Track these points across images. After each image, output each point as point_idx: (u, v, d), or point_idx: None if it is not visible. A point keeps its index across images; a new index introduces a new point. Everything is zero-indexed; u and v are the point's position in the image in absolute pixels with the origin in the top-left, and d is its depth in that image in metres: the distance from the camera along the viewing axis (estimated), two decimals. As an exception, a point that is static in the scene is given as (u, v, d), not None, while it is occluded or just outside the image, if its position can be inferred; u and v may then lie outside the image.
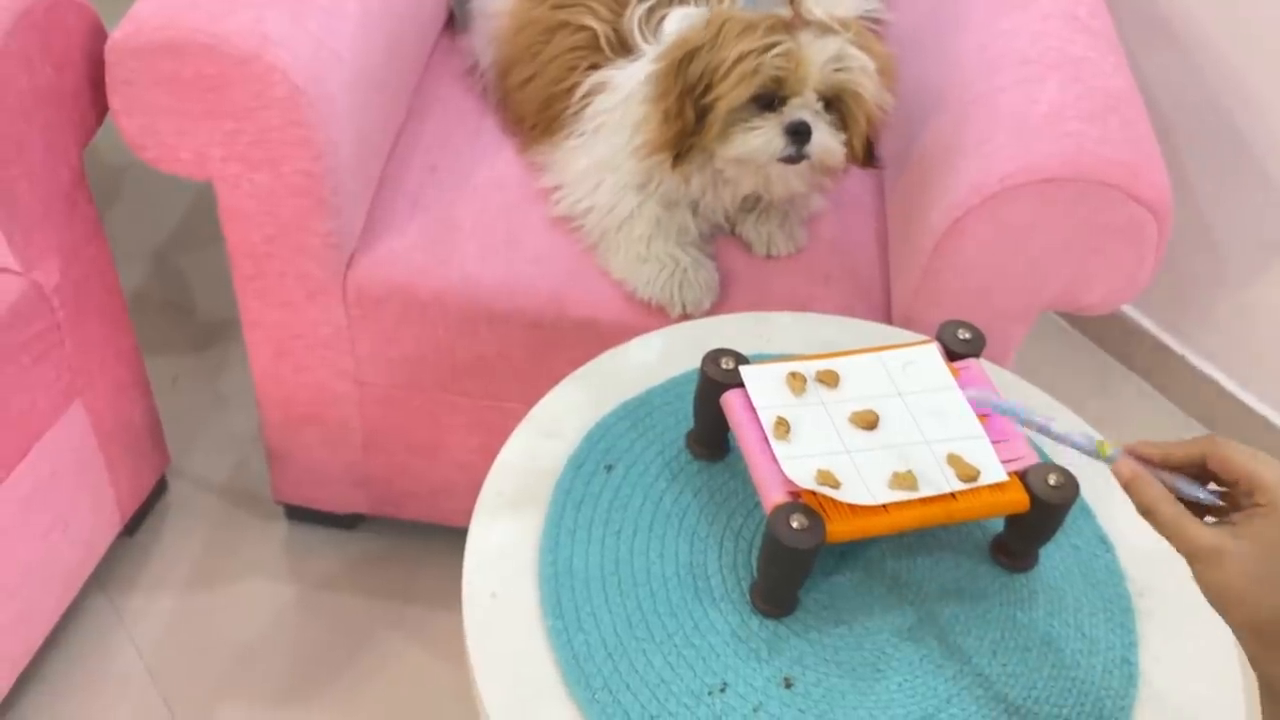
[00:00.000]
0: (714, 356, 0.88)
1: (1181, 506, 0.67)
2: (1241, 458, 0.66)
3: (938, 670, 0.80)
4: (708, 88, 1.10)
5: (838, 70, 1.09)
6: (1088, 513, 0.92)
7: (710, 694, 0.77)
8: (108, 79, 1.06)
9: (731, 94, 1.08)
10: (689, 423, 0.94)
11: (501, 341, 1.22)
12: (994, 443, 0.84)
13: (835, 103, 1.11)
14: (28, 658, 1.29)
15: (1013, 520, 0.86)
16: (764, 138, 1.09)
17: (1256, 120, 1.60)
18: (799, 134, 1.09)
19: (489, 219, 1.24)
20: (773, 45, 1.07)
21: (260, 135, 1.07)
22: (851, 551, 0.87)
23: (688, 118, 1.11)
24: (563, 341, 1.21)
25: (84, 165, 1.18)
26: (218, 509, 1.55)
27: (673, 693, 0.77)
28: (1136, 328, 1.87)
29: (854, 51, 1.09)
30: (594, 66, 1.24)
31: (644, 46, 1.22)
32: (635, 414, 0.95)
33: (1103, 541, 0.90)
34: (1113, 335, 1.91)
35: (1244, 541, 0.64)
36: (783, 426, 0.82)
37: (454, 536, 0.86)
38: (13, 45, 1.03)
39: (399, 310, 1.21)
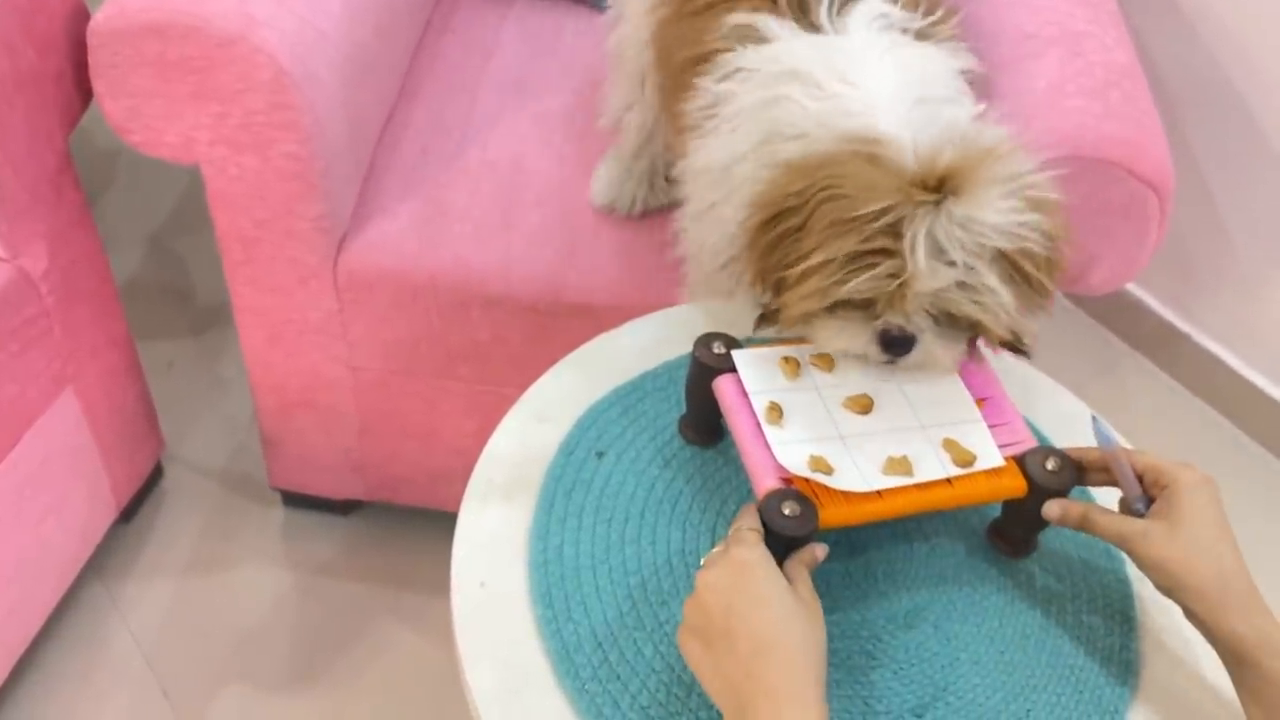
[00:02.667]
0: (706, 341, 0.86)
1: (1111, 509, 0.77)
2: (1147, 458, 0.77)
3: (933, 659, 0.79)
4: (785, 272, 0.84)
5: (959, 296, 0.80)
6: (1086, 498, 0.90)
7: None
8: (91, 62, 1.04)
9: (810, 301, 0.82)
10: (681, 408, 0.92)
11: (495, 325, 1.21)
12: (992, 426, 0.83)
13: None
14: (24, 646, 1.29)
15: (1010, 505, 0.84)
16: (849, 341, 0.84)
17: (1263, 95, 1.58)
18: (895, 345, 0.83)
19: (482, 201, 1.22)
20: (869, 261, 0.79)
21: (246, 118, 1.06)
22: (845, 538, 0.86)
23: (766, 294, 0.88)
24: (557, 325, 1.19)
25: (71, 150, 1.17)
26: (214, 495, 1.54)
27: (663, 683, 0.76)
28: (1141, 306, 1.85)
29: (989, 280, 0.78)
30: (754, 10, 0.95)
31: (825, 24, 0.92)
32: (627, 399, 0.94)
33: (1102, 526, 0.88)
34: (1117, 314, 1.89)
35: (1163, 521, 0.73)
36: (775, 411, 0.81)
37: (450, 522, 0.86)
38: (-6, 28, 1.01)
39: (391, 295, 1.20)
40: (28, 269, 1.13)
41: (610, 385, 0.95)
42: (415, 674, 1.38)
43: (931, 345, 0.83)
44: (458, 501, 0.87)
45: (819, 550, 0.75)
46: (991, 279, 0.79)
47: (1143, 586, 0.85)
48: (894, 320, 0.82)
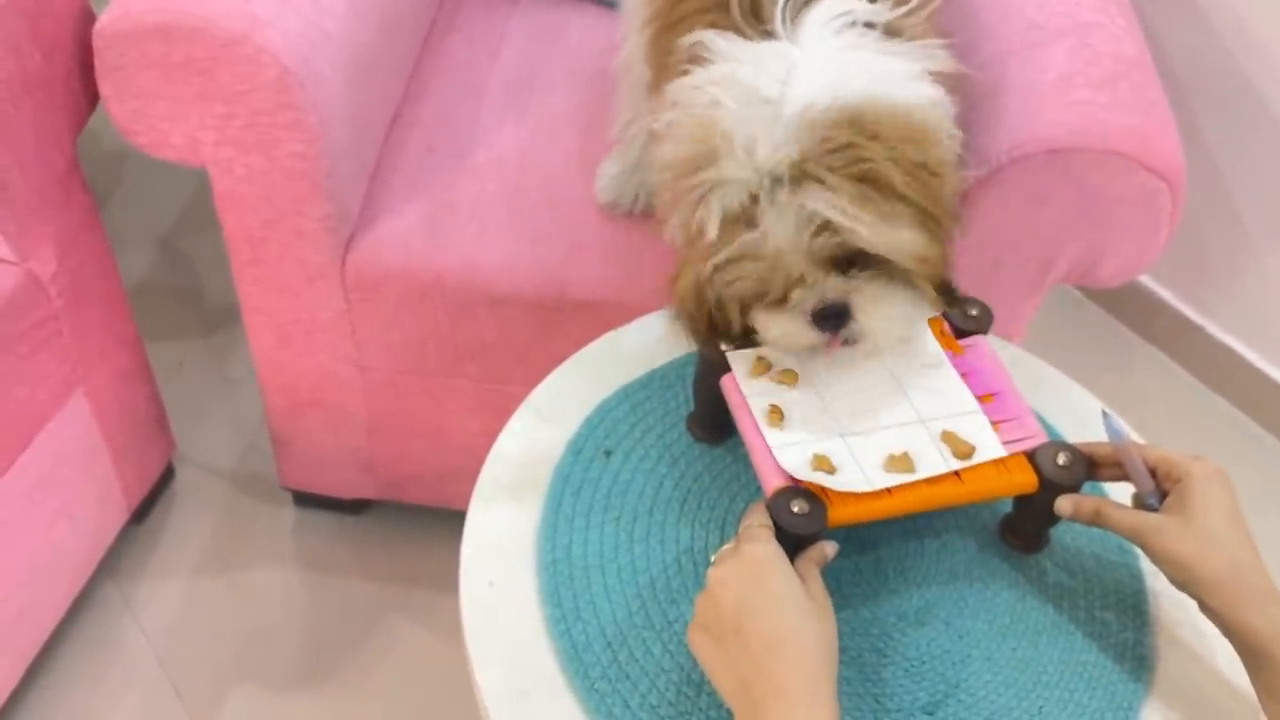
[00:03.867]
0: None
1: (1124, 504, 0.77)
2: (1159, 452, 0.77)
3: (944, 656, 0.79)
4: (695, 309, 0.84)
5: (824, 232, 0.76)
6: (1099, 492, 0.89)
7: (710, 682, 0.76)
8: (97, 64, 1.04)
9: (722, 320, 0.82)
10: (689, 405, 0.92)
11: (502, 324, 1.20)
12: (1000, 422, 0.82)
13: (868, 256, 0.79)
14: (37, 647, 1.29)
15: (1021, 501, 0.84)
16: (786, 329, 0.81)
17: (1277, 84, 1.56)
18: (831, 319, 0.80)
19: (488, 200, 1.22)
20: (728, 250, 0.78)
21: (252, 118, 1.05)
22: (855, 535, 0.85)
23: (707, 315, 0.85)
24: (564, 323, 1.19)
25: (79, 152, 1.17)
26: (225, 495, 1.54)
27: (673, 682, 0.76)
28: (1154, 298, 1.83)
29: (826, 197, 0.75)
30: (713, 25, 0.90)
31: (780, 30, 0.85)
32: (635, 397, 0.93)
33: (1115, 521, 0.88)
34: (1129, 306, 1.88)
35: (1177, 515, 0.73)
36: (776, 413, 0.81)
37: (460, 520, 0.85)
38: (0, 32, 1.01)
39: (398, 294, 1.20)
40: (37, 272, 1.14)
41: (617, 383, 0.95)
42: (425, 672, 1.38)
43: (869, 300, 0.78)
44: (467, 500, 0.87)
45: (829, 548, 0.75)
46: (822, 194, 0.75)
47: (1156, 581, 0.84)
48: (810, 296, 0.78)
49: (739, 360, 0.84)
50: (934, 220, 0.79)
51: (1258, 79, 1.58)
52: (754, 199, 0.77)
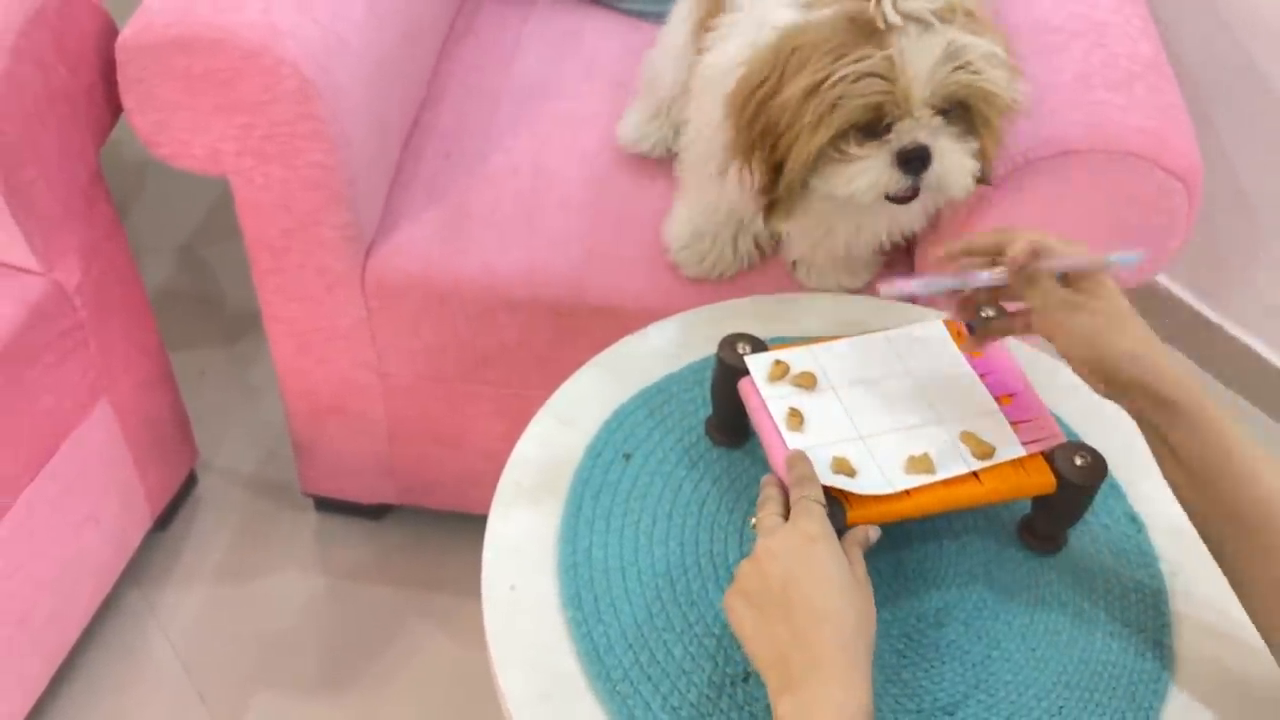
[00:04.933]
0: (730, 342, 0.87)
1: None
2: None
3: (964, 656, 0.79)
4: (777, 138, 0.87)
5: (956, 70, 0.84)
6: (1117, 491, 0.90)
7: (732, 684, 0.77)
8: (119, 77, 1.06)
9: (811, 141, 0.85)
10: (708, 409, 0.92)
11: (521, 329, 1.21)
12: (1019, 422, 0.83)
13: (958, 110, 0.88)
14: (64, 652, 1.31)
15: (1040, 501, 0.84)
16: (870, 174, 0.86)
17: (1292, 81, 1.56)
18: (913, 162, 0.86)
19: (506, 206, 1.23)
20: (857, 63, 0.83)
21: (272, 129, 1.07)
22: (875, 536, 0.85)
23: (763, 175, 0.91)
24: (583, 327, 1.20)
25: (102, 163, 1.18)
26: (247, 501, 1.56)
27: (694, 683, 0.76)
28: (1171, 297, 1.83)
29: (971, 40, 0.84)
30: None
31: None
32: (653, 401, 0.94)
33: (1133, 520, 0.88)
34: (1146, 306, 1.86)
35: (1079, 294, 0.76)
36: (796, 417, 0.81)
37: (481, 525, 0.86)
38: (26, 46, 1.03)
39: (418, 301, 1.21)
40: (62, 282, 1.15)
41: (636, 387, 0.96)
42: (447, 676, 1.38)
43: (947, 151, 0.86)
44: (487, 504, 0.88)
45: (871, 532, 0.75)
46: (974, 39, 0.83)
47: (1176, 581, 0.84)
48: (907, 134, 0.84)
49: (757, 364, 0.85)
50: (1015, 109, 0.90)
51: (1274, 78, 1.58)
52: (888, 26, 0.83)
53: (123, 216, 1.25)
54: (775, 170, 0.90)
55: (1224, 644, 0.81)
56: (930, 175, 0.87)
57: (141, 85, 1.05)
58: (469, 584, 1.47)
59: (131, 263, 1.28)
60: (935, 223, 1.15)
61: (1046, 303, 0.76)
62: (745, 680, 0.77)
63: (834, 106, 0.84)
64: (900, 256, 1.22)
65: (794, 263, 1.17)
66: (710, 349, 0.97)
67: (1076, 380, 0.99)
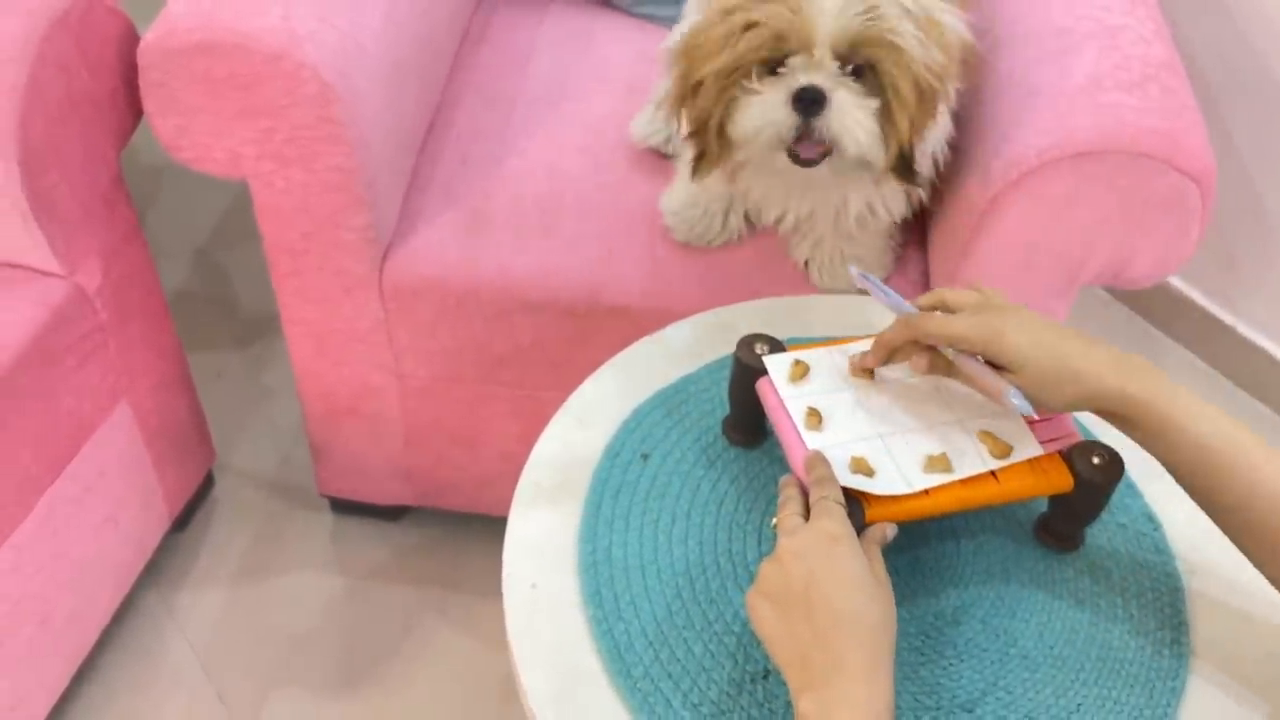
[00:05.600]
0: (748, 342, 0.87)
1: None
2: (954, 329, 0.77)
3: (982, 654, 0.79)
4: (698, 75, 0.91)
5: (861, 16, 0.85)
6: (1134, 490, 0.90)
7: (752, 681, 0.77)
8: (141, 81, 1.07)
9: (718, 59, 0.87)
10: (724, 409, 0.93)
11: (537, 331, 1.22)
12: (1036, 421, 0.83)
13: (870, 70, 0.89)
14: (84, 652, 1.32)
15: (1057, 500, 0.84)
16: (764, 109, 0.87)
17: (1304, 83, 1.56)
18: (806, 101, 0.86)
19: (522, 209, 1.24)
20: None
21: (292, 133, 1.08)
22: (892, 535, 0.86)
23: (690, 122, 0.95)
24: (599, 329, 1.20)
25: (122, 167, 1.20)
26: (264, 503, 1.57)
27: (714, 680, 0.77)
28: (1183, 299, 1.83)
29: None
30: None
31: None
32: (670, 401, 0.95)
33: (1150, 520, 0.88)
34: (1158, 307, 1.87)
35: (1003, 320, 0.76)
36: (815, 416, 0.82)
37: (497, 526, 0.87)
38: (48, 51, 1.04)
39: (435, 303, 1.21)
40: (83, 285, 1.16)
41: (653, 388, 0.96)
42: (464, 676, 1.39)
43: (845, 102, 0.86)
44: (504, 505, 0.88)
45: (889, 529, 0.75)
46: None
47: (1192, 580, 0.84)
48: (802, 72, 0.86)
49: (775, 364, 0.85)
50: (936, 86, 0.90)
51: (1286, 78, 1.58)
52: None
53: (139, 221, 1.26)
54: (701, 118, 0.93)
55: (1241, 643, 0.81)
56: (824, 122, 0.87)
57: (163, 89, 1.06)
58: (485, 584, 1.49)
59: (151, 265, 1.29)
60: (946, 225, 1.16)
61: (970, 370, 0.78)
62: (765, 677, 0.77)
63: (743, 29, 0.87)
64: (914, 258, 1.22)
65: (805, 263, 1.17)
66: (726, 350, 0.98)
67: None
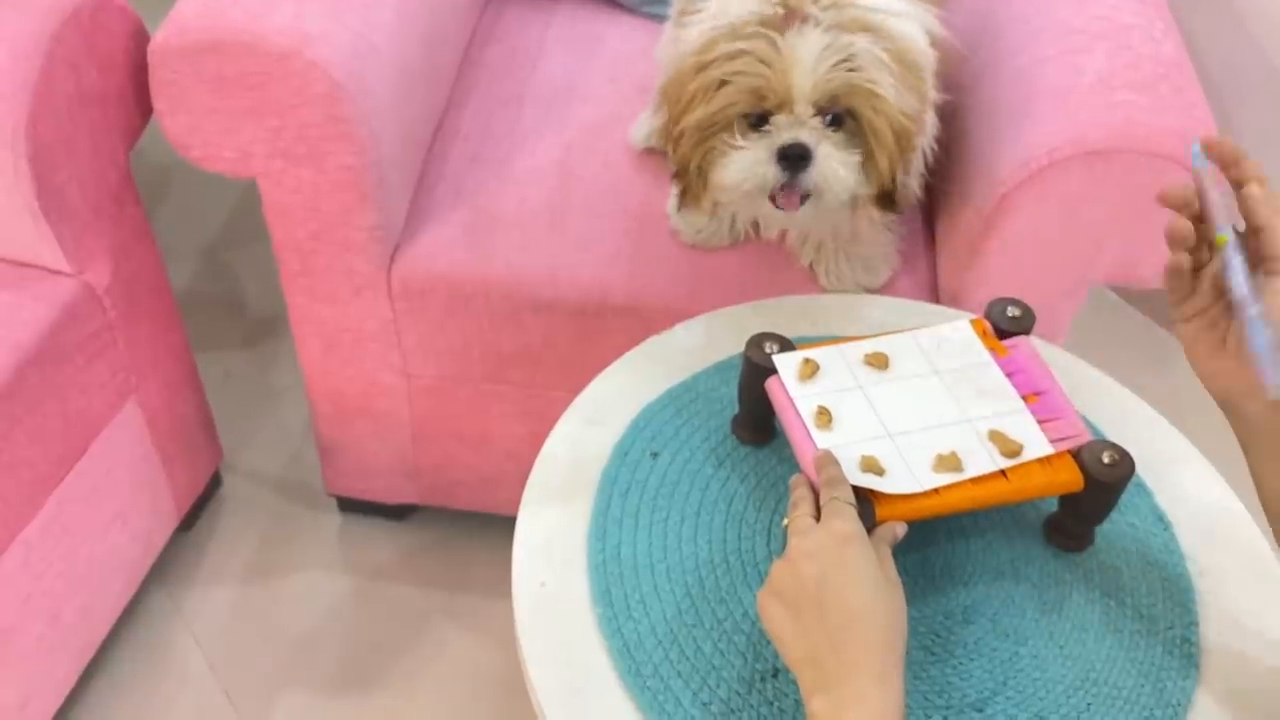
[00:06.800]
0: (758, 341, 0.87)
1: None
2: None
3: (992, 653, 0.79)
4: (678, 118, 0.92)
5: (836, 67, 0.86)
6: (1144, 490, 0.90)
7: (762, 680, 0.77)
8: (151, 80, 1.07)
9: (694, 114, 0.88)
10: (734, 408, 0.93)
11: (546, 330, 1.22)
12: (1046, 421, 0.83)
13: (849, 116, 0.90)
14: (92, 651, 1.32)
15: (1067, 500, 0.84)
16: (747, 163, 0.89)
17: (1314, 83, 1.56)
18: (792, 159, 0.88)
19: (530, 209, 1.24)
20: (747, 40, 0.86)
21: (302, 131, 1.08)
22: (902, 534, 0.86)
23: (674, 162, 0.97)
24: (607, 329, 1.20)
25: (131, 166, 1.20)
26: (271, 502, 1.57)
27: (724, 679, 0.77)
28: (1192, 300, 1.82)
29: (860, 45, 0.86)
30: None
31: None
32: (680, 400, 0.95)
33: (1160, 519, 0.88)
34: (1166, 307, 1.86)
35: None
36: (824, 416, 0.82)
37: (505, 525, 0.87)
38: (58, 50, 1.04)
39: (444, 302, 1.22)
40: (92, 283, 1.17)
41: (663, 387, 0.96)
42: (472, 675, 1.39)
43: (829, 156, 0.88)
44: (511, 505, 0.88)
45: (899, 528, 0.75)
46: (865, 43, 0.85)
47: (1203, 581, 0.84)
48: (787, 129, 0.87)
49: (785, 363, 0.85)
50: (912, 129, 0.92)
51: (1296, 79, 1.58)
52: (785, 15, 0.87)
53: (148, 220, 1.27)
54: (683, 164, 0.95)
55: (1252, 643, 0.81)
56: (809, 177, 0.88)
57: (173, 88, 1.07)
58: (493, 584, 1.49)
59: (160, 264, 1.29)
60: (955, 225, 1.15)
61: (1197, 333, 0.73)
62: (775, 676, 0.77)
63: (719, 84, 0.87)
64: (922, 257, 1.22)
65: (810, 264, 1.17)
66: (735, 349, 0.98)
67: (1102, 380, 1.00)
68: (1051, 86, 1.07)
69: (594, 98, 1.37)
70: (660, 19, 1.48)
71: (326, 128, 1.07)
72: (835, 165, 0.89)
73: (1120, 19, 1.11)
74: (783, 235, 1.17)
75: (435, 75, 1.31)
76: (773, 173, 0.89)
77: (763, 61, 0.86)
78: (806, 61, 0.85)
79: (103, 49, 1.09)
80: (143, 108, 1.15)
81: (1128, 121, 1.01)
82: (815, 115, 0.88)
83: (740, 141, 0.89)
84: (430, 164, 1.29)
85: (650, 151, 1.28)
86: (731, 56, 0.87)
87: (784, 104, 0.87)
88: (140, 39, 1.12)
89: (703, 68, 0.88)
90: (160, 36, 1.05)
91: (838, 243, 1.13)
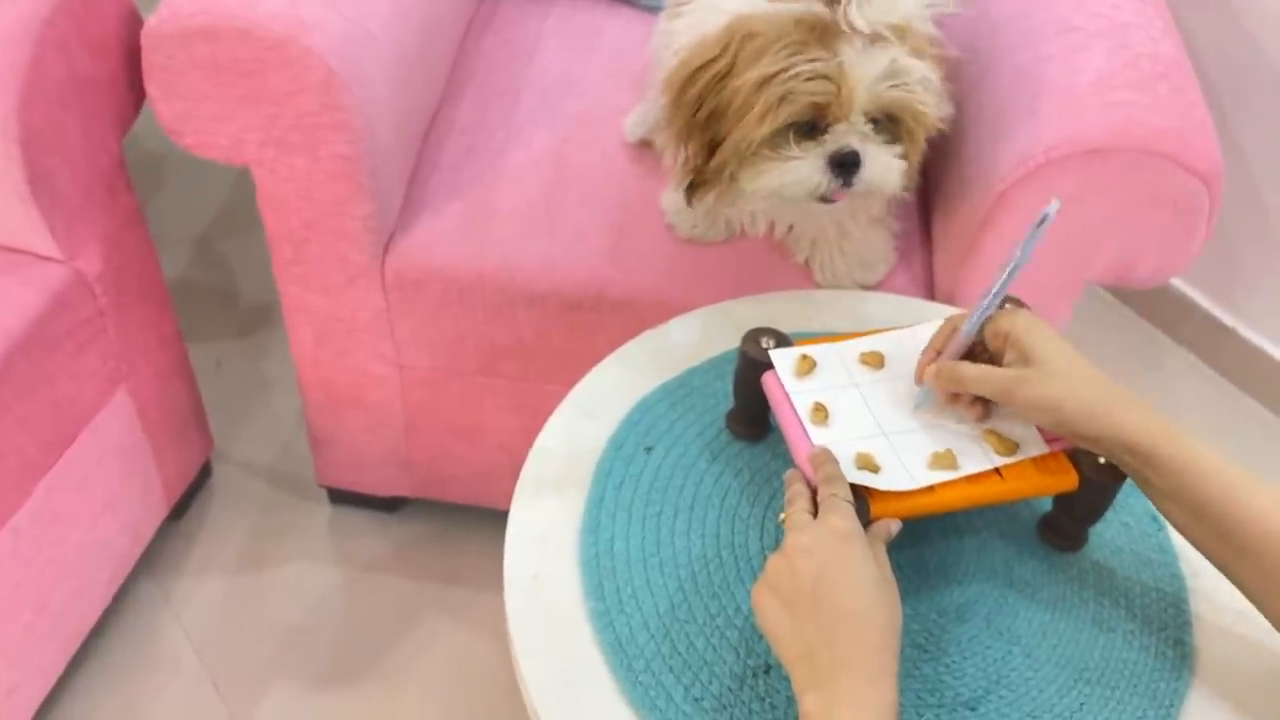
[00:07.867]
0: (754, 336, 0.87)
1: (981, 365, 0.79)
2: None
3: (985, 652, 0.79)
4: (720, 120, 0.93)
5: (893, 87, 0.92)
6: (1138, 490, 0.90)
7: (754, 675, 0.77)
8: (144, 65, 1.06)
9: (755, 130, 0.91)
10: (728, 403, 0.93)
11: (540, 323, 1.21)
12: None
13: (888, 121, 0.95)
14: (79, 639, 1.31)
15: (1061, 499, 0.84)
16: (802, 172, 0.93)
17: (1311, 85, 1.56)
18: (846, 166, 0.93)
19: (526, 200, 1.23)
20: (809, 64, 0.89)
21: (296, 119, 1.07)
22: (896, 532, 0.86)
23: (697, 156, 0.97)
24: (602, 322, 1.20)
25: (124, 153, 1.19)
26: (262, 493, 1.56)
27: (716, 674, 0.77)
28: (1185, 300, 1.83)
29: (911, 62, 0.92)
30: None
31: None
32: (675, 394, 0.94)
33: (1154, 520, 0.88)
34: (1160, 308, 1.87)
35: (1027, 365, 0.76)
36: (821, 412, 0.81)
37: (497, 518, 0.87)
38: (50, 33, 1.03)
39: (438, 293, 1.21)
40: (83, 270, 1.16)
41: (657, 381, 0.96)
42: (462, 668, 1.39)
43: (876, 154, 0.93)
44: (503, 498, 0.88)
45: (893, 525, 0.75)
46: (913, 62, 0.91)
47: (1196, 581, 0.84)
48: (842, 137, 0.91)
49: (782, 359, 0.85)
50: (943, 132, 0.99)
51: (1293, 81, 1.58)
52: (837, 29, 0.90)
53: (140, 207, 1.26)
54: (710, 153, 0.96)
55: (1244, 643, 0.81)
56: (859, 179, 0.93)
57: (166, 74, 1.06)
58: (484, 577, 1.49)
59: (152, 252, 1.28)
60: (952, 222, 1.15)
61: (994, 389, 0.77)
62: (767, 672, 0.77)
63: (783, 100, 0.90)
64: (918, 254, 1.22)
65: (806, 260, 1.17)
66: (731, 343, 0.98)
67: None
68: (1050, 85, 1.07)
69: (591, 90, 1.37)
70: (658, 11, 1.48)
71: (321, 116, 1.06)
72: (884, 161, 0.94)
73: (1119, 17, 1.11)
74: (771, 228, 1.16)
75: (431, 65, 1.30)
76: (828, 179, 0.93)
77: (830, 79, 0.90)
78: (867, 79, 0.90)
79: (95, 33, 1.08)
80: (135, 93, 1.14)
81: (1126, 120, 1.00)
82: (865, 123, 0.93)
83: (795, 150, 0.93)
84: (425, 155, 1.28)
85: (645, 144, 1.28)
86: (803, 77, 0.90)
87: (842, 116, 0.92)
88: (133, 23, 1.12)
89: (765, 83, 0.90)
90: (153, 21, 1.04)
91: (834, 239, 1.13)
